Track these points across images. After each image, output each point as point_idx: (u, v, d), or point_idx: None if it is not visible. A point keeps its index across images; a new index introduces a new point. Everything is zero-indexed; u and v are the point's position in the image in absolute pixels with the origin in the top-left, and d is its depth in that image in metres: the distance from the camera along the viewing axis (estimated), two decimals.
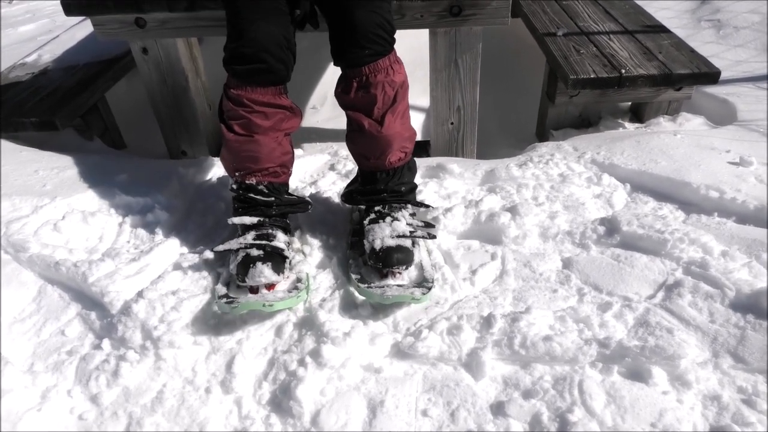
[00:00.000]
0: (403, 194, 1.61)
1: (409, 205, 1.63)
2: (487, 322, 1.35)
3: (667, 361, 1.22)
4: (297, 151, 2.22)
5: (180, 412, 1.24)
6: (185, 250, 1.67)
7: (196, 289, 1.51)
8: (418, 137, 2.69)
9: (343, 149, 2.25)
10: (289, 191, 1.65)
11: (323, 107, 2.95)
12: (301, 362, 1.28)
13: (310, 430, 1.18)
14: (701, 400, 1.17)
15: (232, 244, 1.48)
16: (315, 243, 1.68)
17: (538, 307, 1.40)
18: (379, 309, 1.44)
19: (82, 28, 3.28)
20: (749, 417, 1.12)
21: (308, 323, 1.41)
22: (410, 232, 1.52)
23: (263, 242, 1.46)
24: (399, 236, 1.50)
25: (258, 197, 1.53)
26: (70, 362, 1.35)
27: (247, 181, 1.53)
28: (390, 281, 1.47)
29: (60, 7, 2.01)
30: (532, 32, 2.84)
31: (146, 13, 1.99)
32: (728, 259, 1.47)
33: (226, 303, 1.35)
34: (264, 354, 1.36)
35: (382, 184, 1.57)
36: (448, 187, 1.91)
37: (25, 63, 2.87)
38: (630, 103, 2.60)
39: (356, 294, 1.47)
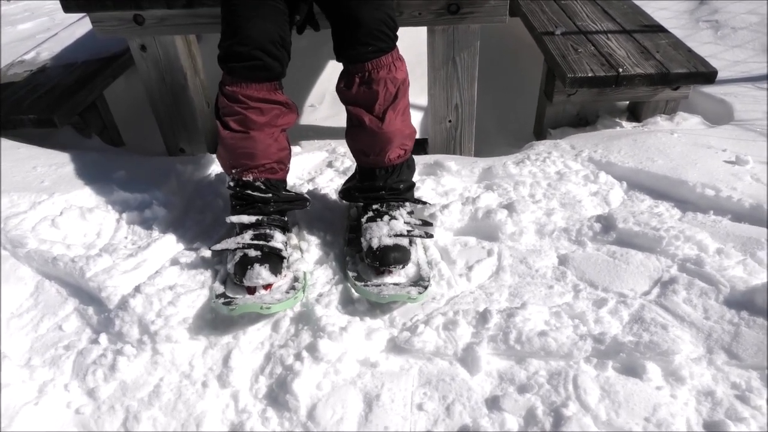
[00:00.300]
0: (402, 192, 1.61)
1: (407, 203, 1.63)
2: (483, 317, 1.36)
3: (661, 356, 1.23)
4: (295, 149, 2.23)
5: (177, 406, 1.25)
6: (183, 246, 1.68)
7: (194, 285, 1.51)
8: (417, 135, 2.71)
9: (341, 147, 2.26)
10: (287, 188, 1.65)
11: (321, 105, 2.96)
12: (298, 356, 1.29)
13: (306, 423, 1.18)
14: (695, 396, 1.17)
15: (230, 244, 1.48)
16: (312, 240, 1.68)
17: (533, 302, 1.41)
18: (376, 305, 1.44)
19: (80, 25, 3.29)
20: (743, 412, 1.13)
21: (305, 318, 1.41)
22: (408, 231, 1.53)
23: (261, 242, 1.46)
24: (396, 235, 1.50)
25: (255, 194, 1.53)
26: (67, 357, 1.36)
27: (244, 178, 1.54)
28: (387, 279, 1.47)
29: (59, 5, 2.01)
30: (530, 31, 2.85)
31: (145, 10, 2.00)
32: (723, 257, 1.48)
33: (223, 304, 1.35)
34: (261, 348, 1.36)
35: (380, 181, 1.58)
36: (445, 184, 1.92)
37: (23, 60, 2.88)
38: (627, 102, 2.61)
39: (353, 291, 1.48)
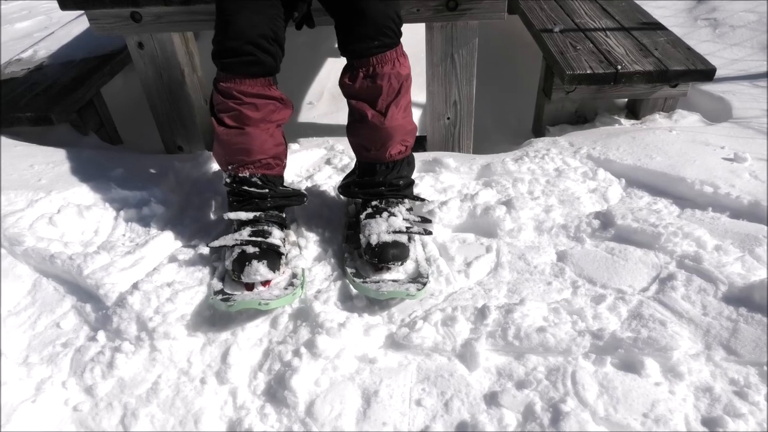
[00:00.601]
0: (401, 188, 1.61)
1: (406, 200, 1.63)
2: (482, 313, 1.35)
3: (659, 352, 1.23)
4: (293, 146, 2.23)
5: (175, 403, 1.24)
6: (181, 243, 1.67)
7: (192, 281, 1.51)
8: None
9: (339, 144, 2.25)
10: (284, 184, 1.65)
11: (320, 102, 2.95)
12: (296, 353, 1.29)
13: (304, 420, 1.18)
14: (693, 392, 1.17)
15: (228, 240, 1.48)
16: (311, 236, 1.68)
17: (532, 299, 1.41)
18: (374, 301, 1.44)
19: (77, 24, 3.28)
20: (741, 408, 1.13)
21: (303, 314, 1.41)
22: (406, 227, 1.52)
23: (259, 239, 1.46)
24: (395, 232, 1.50)
25: (252, 190, 1.53)
26: (65, 354, 1.35)
27: (240, 174, 1.53)
28: (385, 276, 1.47)
29: (56, 4, 2.01)
30: (528, 28, 2.85)
31: (142, 7, 1.99)
32: (722, 253, 1.48)
33: (221, 301, 1.35)
34: (259, 345, 1.36)
35: (380, 177, 1.57)
36: (444, 181, 1.92)
37: (20, 59, 2.87)
38: (626, 100, 2.61)
39: (351, 288, 1.48)
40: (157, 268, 1.54)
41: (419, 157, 2.06)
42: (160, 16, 2.02)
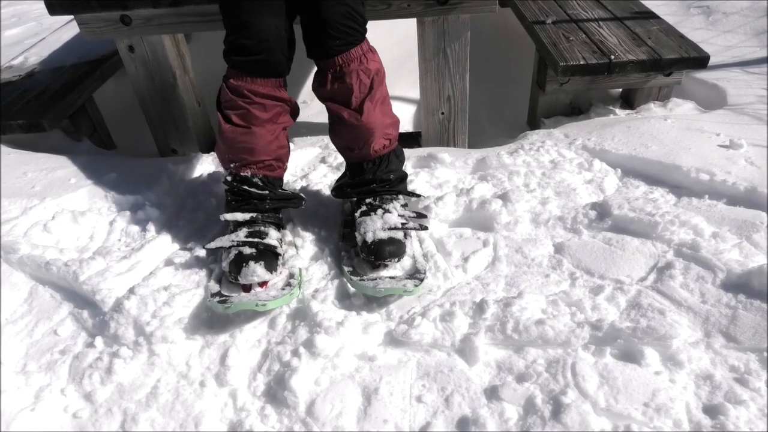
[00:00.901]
0: (393, 183, 1.60)
1: (401, 196, 1.63)
2: (480, 308, 1.35)
3: (659, 341, 1.22)
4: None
5: (175, 407, 1.24)
6: (176, 246, 1.66)
7: (188, 284, 1.50)
8: (410, 128, 2.70)
9: None
10: (283, 186, 1.64)
11: (313, 101, 2.94)
12: (295, 353, 1.28)
13: (305, 419, 1.18)
14: (694, 380, 1.17)
15: (224, 242, 1.47)
16: (307, 236, 1.67)
17: (530, 291, 1.40)
18: (372, 298, 1.44)
19: (68, 29, 3.26)
20: (742, 395, 1.13)
21: (301, 314, 1.41)
22: (402, 224, 1.52)
23: (255, 240, 1.45)
24: (391, 228, 1.49)
25: (252, 190, 1.53)
26: (63, 361, 1.35)
27: (242, 173, 1.53)
28: (382, 273, 1.47)
29: (46, 11, 1.99)
30: (521, 21, 2.83)
31: (131, 10, 1.98)
32: (719, 240, 1.48)
33: (219, 303, 1.35)
34: (258, 346, 1.35)
35: (370, 174, 1.57)
36: (439, 176, 1.91)
37: (11, 66, 2.85)
38: (620, 90, 2.60)
39: (349, 286, 1.47)
40: (153, 272, 1.53)
41: (414, 153, 2.06)
42: (150, 19, 2.01)
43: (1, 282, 1.53)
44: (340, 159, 2.12)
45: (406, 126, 2.71)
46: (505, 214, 1.65)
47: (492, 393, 1.19)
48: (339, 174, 1.91)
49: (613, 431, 1.09)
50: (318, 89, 1.55)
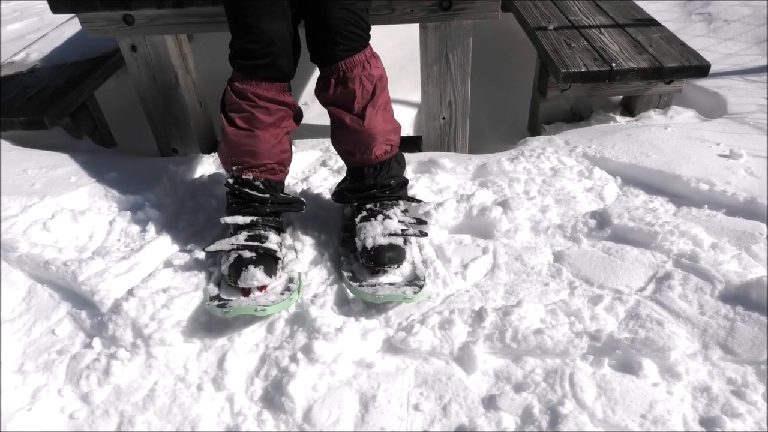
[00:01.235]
0: (393, 188, 1.60)
1: (401, 202, 1.63)
2: (479, 316, 1.35)
3: (657, 353, 1.23)
4: None
5: (172, 410, 1.24)
6: (176, 248, 1.66)
7: (187, 287, 1.50)
8: (410, 133, 2.70)
9: None
10: (284, 190, 1.64)
11: (314, 104, 2.93)
12: (293, 358, 1.28)
13: (302, 426, 1.18)
14: (691, 392, 1.17)
15: (224, 245, 1.47)
16: (307, 240, 1.67)
17: (529, 300, 1.41)
18: (371, 305, 1.44)
19: (70, 26, 3.25)
20: (738, 408, 1.13)
21: (300, 319, 1.41)
22: (402, 230, 1.52)
23: (255, 244, 1.45)
24: (391, 234, 1.49)
25: (254, 193, 1.53)
26: (60, 361, 1.35)
27: (243, 176, 1.53)
28: (382, 279, 1.47)
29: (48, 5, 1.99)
30: (522, 26, 2.84)
31: (134, 9, 1.97)
32: (718, 251, 1.48)
33: (217, 307, 1.35)
34: (255, 350, 1.35)
35: (370, 179, 1.57)
36: (439, 181, 1.91)
37: (12, 62, 2.85)
38: (621, 97, 2.61)
39: (348, 291, 1.47)
40: (152, 273, 1.53)
41: (415, 158, 2.06)
42: (153, 19, 2.01)
43: (0, 280, 1.53)
44: (341, 162, 2.11)
45: (407, 130, 2.71)
46: (505, 222, 1.65)
47: (490, 402, 1.19)
48: (339, 177, 1.92)
49: None
50: (321, 94, 1.55)
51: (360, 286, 1.43)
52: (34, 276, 1.58)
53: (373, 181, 1.57)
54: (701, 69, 2.27)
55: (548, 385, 1.20)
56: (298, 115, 1.60)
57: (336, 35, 1.43)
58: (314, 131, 2.61)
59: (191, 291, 1.48)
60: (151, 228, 1.72)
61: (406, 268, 1.51)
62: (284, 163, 1.59)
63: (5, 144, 2.27)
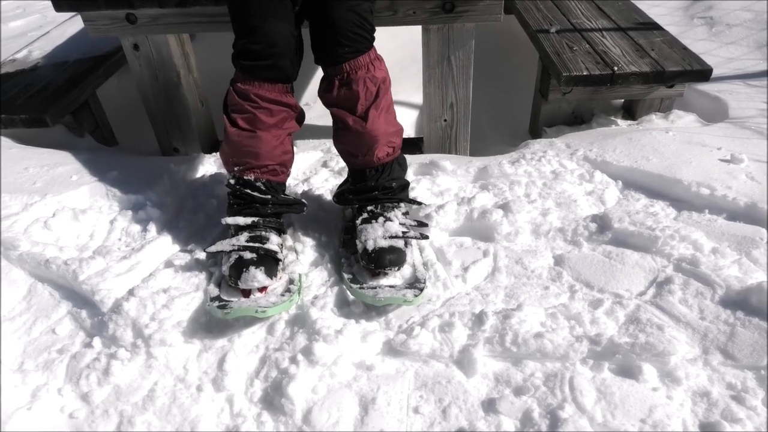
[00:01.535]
0: (395, 191, 1.60)
1: (402, 204, 1.63)
2: (479, 319, 1.35)
3: (657, 357, 1.23)
4: None
5: (171, 411, 1.24)
6: (177, 248, 1.66)
7: (188, 287, 1.50)
8: (412, 134, 2.70)
9: None
10: (285, 191, 1.65)
11: (316, 104, 2.94)
12: (293, 360, 1.28)
13: (301, 427, 1.18)
14: (691, 397, 1.18)
15: (225, 246, 1.47)
16: (308, 241, 1.67)
17: (529, 304, 1.41)
18: (372, 307, 1.44)
19: (72, 24, 3.25)
20: (738, 413, 1.13)
21: (300, 321, 1.41)
22: (403, 232, 1.52)
23: (256, 245, 1.45)
24: (391, 237, 1.49)
25: (255, 194, 1.53)
26: (60, 361, 1.35)
27: (245, 177, 1.53)
28: (382, 281, 1.47)
29: (51, 3, 1.99)
30: (524, 28, 2.84)
31: (137, 8, 1.97)
32: (718, 256, 1.48)
33: (218, 308, 1.35)
34: (256, 352, 1.35)
35: (372, 181, 1.57)
36: (440, 184, 1.91)
37: (15, 59, 2.85)
38: (622, 101, 2.61)
39: (348, 293, 1.47)
40: (153, 273, 1.53)
41: (416, 160, 2.06)
42: (156, 18, 2.01)
43: (1, 279, 1.53)
44: (342, 163, 2.10)
45: (408, 131, 2.71)
46: (505, 225, 1.65)
47: (489, 405, 1.19)
48: (341, 179, 1.92)
49: None
50: (324, 95, 1.55)
51: (360, 288, 1.43)
52: (34, 275, 1.58)
53: (375, 183, 1.57)
54: (703, 73, 2.27)
55: (548, 389, 1.20)
56: (300, 116, 1.60)
57: (341, 37, 1.43)
58: (316, 132, 2.61)
59: (192, 291, 1.48)
60: (152, 227, 1.72)
61: (406, 270, 1.51)
62: (286, 165, 1.59)
63: (6, 141, 2.27)
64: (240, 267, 1.41)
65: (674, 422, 1.12)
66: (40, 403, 1.25)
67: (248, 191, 1.53)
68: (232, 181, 1.55)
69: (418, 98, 2.47)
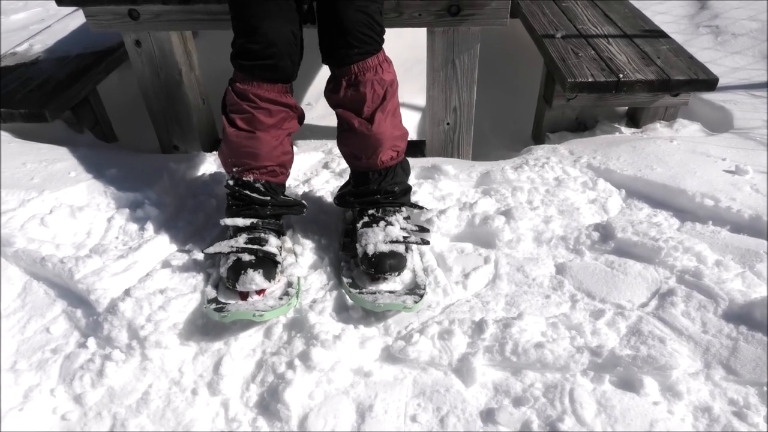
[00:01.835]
0: (397, 195, 1.59)
1: (404, 208, 1.61)
2: (479, 327, 1.34)
3: (658, 371, 1.21)
4: None
5: (165, 414, 1.22)
6: (174, 247, 1.64)
7: (185, 288, 1.48)
8: (414, 136, 2.68)
9: (337, 147, 2.22)
10: (285, 192, 1.63)
11: (318, 104, 2.92)
12: (290, 365, 1.27)
13: None
14: (692, 412, 1.16)
15: (223, 247, 1.45)
16: (307, 243, 1.66)
17: (530, 313, 1.39)
18: (371, 312, 1.42)
19: (74, 18, 3.24)
20: (740, 429, 1.11)
21: (298, 325, 1.39)
22: (404, 237, 1.50)
23: (255, 247, 1.44)
24: (392, 241, 1.48)
25: (254, 195, 1.51)
26: (54, 361, 1.33)
27: (244, 178, 1.51)
28: (382, 286, 1.45)
29: None
30: (530, 33, 2.82)
31: (140, 4, 1.96)
32: (722, 269, 1.46)
33: (215, 310, 1.33)
34: (252, 355, 1.34)
35: (374, 185, 1.56)
36: (442, 188, 1.89)
37: (15, 53, 2.83)
38: (627, 108, 2.60)
39: (347, 298, 1.45)
40: (150, 273, 1.51)
41: (418, 163, 2.04)
42: (159, 15, 1.99)
43: (1, 278, 1.51)
44: (344, 165, 2.10)
45: (410, 134, 2.68)
46: (507, 231, 1.64)
47: (488, 416, 1.18)
48: (342, 180, 1.90)
49: None
50: (330, 95, 1.54)
51: (360, 293, 1.41)
52: (30, 272, 1.56)
53: (377, 187, 1.55)
54: (709, 83, 2.26)
55: (548, 401, 1.19)
56: (299, 116, 1.58)
57: (351, 38, 1.41)
58: (317, 132, 2.59)
59: (189, 293, 1.46)
60: (150, 226, 1.70)
61: (406, 275, 1.49)
62: (285, 165, 1.58)
63: (5, 136, 2.25)
64: (238, 269, 1.39)
65: None
66: (33, 404, 1.23)
67: (247, 192, 1.51)
68: (230, 182, 1.54)
69: (421, 100, 2.46)
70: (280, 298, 1.40)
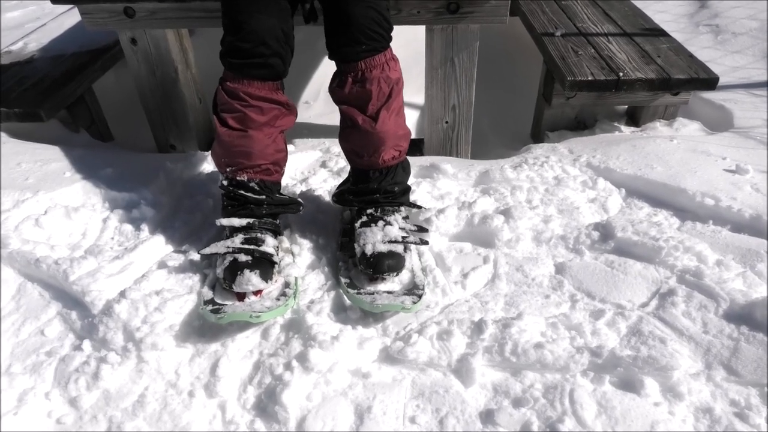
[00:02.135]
0: (396, 195, 1.57)
1: (402, 208, 1.60)
2: (478, 327, 1.32)
3: (659, 371, 1.20)
4: (288, 147, 2.19)
5: (162, 417, 1.21)
6: (171, 248, 1.63)
7: (181, 289, 1.47)
8: (413, 135, 2.67)
9: (335, 146, 2.21)
10: (281, 191, 1.61)
11: (316, 102, 2.91)
12: (288, 366, 1.25)
13: None
14: (693, 413, 1.15)
15: (219, 248, 1.44)
16: (304, 243, 1.64)
17: (530, 313, 1.38)
18: (369, 312, 1.41)
19: (70, 16, 3.21)
20: (741, 430, 1.11)
21: (296, 326, 1.38)
22: (403, 237, 1.49)
23: (252, 247, 1.42)
24: (391, 241, 1.46)
25: (249, 195, 1.50)
26: (49, 363, 1.31)
27: (238, 178, 1.50)
28: (380, 287, 1.44)
29: None
30: (529, 31, 2.81)
31: (135, 2, 1.94)
32: (723, 269, 1.45)
33: (211, 312, 1.32)
34: (249, 357, 1.32)
35: (374, 184, 1.54)
36: (441, 187, 1.88)
37: (10, 51, 2.80)
38: (626, 107, 2.58)
39: (345, 298, 1.44)
40: (145, 274, 1.50)
41: (416, 162, 2.03)
42: (154, 12, 1.97)
43: (1, 278, 1.49)
44: (342, 164, 2.09)
45: None
46: (506, 231, 1.63)
47: (487, 417, 1.17)
48: (340, 179, 1.89)
49: None
50: (335, 91, 1.51)
51: (358, 293, 1.40)
52: (24, 274, 1.55)
53: (377, 186, 1.54)
54: (709, 82, 2.24)
55: (548, 401, 1.18)
56: (292, 112, 1.55)
57: (360, 34, 1.39)
58: (315, 131, 2.58)
59: (185, 294, 1.44)
60: (146, 227, 1.69)
61: (405, 276, 1.48)
62: (279, 163, 1.56)
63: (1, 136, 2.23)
64: (235, 270, 1.37)
65: None
66: (27, 407, 1.21)
67: (242, 192, 1.49)
68: (225, 183, 1.52)
69: (419, 99, 2.44)
70: (278, 299, 1.39)
